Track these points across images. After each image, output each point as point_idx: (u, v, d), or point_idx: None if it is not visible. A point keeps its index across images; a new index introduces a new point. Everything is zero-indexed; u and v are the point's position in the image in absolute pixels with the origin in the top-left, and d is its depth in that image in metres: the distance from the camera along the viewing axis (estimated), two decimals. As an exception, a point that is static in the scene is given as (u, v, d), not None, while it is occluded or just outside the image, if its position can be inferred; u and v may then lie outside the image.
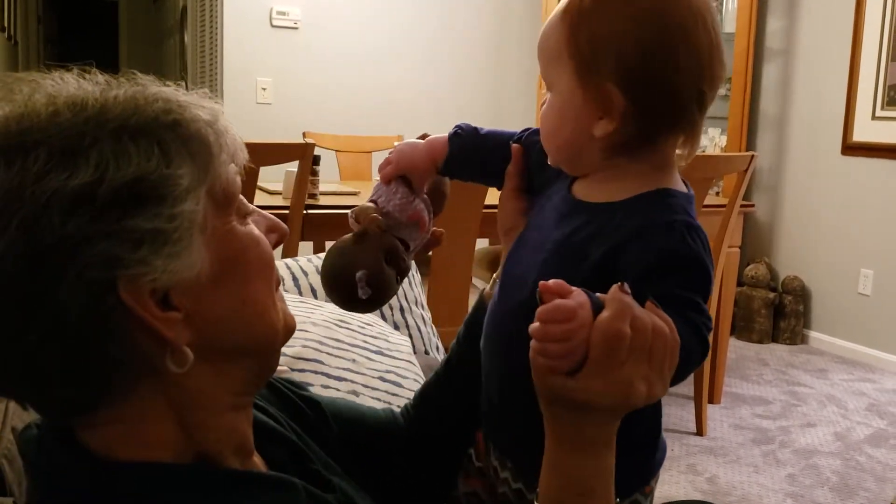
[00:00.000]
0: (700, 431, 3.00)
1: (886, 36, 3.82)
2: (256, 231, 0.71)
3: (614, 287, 0.64)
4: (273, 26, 4.56)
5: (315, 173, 2.79)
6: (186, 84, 0.74)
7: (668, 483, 2.60)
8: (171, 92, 0.67)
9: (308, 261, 1.64)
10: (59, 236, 0.58)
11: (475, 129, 0.93)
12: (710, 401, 3.18)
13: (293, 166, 2.66)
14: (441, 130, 0.93)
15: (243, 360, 0.70)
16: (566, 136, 0.80)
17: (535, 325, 0.64)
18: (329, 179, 3.41)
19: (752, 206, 3.93)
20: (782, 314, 4.23)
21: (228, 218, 0.68)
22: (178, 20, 6.54)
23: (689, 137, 0.78)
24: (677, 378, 0.69)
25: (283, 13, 4.56)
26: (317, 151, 2.72)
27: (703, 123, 0.79)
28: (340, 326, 1.41)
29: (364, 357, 1.37)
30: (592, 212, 0.79)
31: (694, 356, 0.71)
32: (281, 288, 0.75)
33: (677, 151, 0.80)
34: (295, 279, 1.58)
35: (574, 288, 0.64)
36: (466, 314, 0.99)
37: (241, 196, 0.70)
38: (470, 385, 0.92)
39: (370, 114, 4.71)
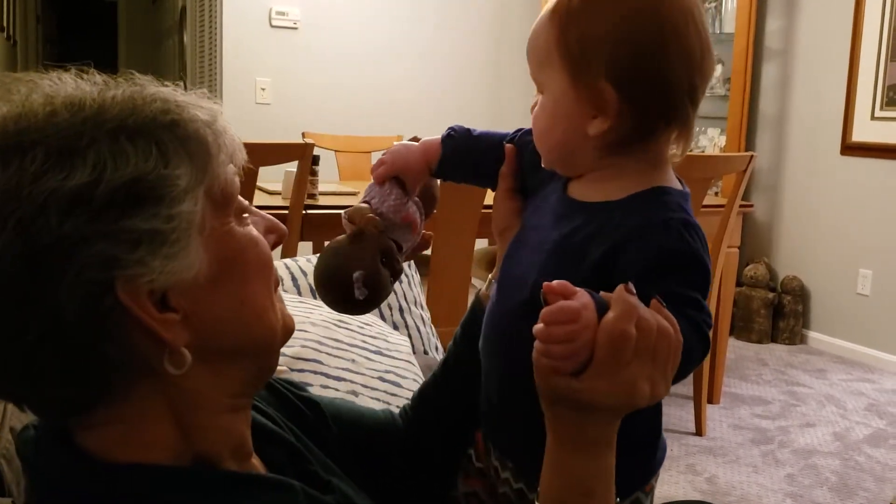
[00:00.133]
0: (699, 431, 3.00)
1: (886, 36, 3.82)
2: (255, 232, 0.71)
3: (619, 287, 0.64)
4: (272, 26, 4.56)
5: (314, 173, 2.79)
6: (185, 84, 0.74)
7: (668, 483, 2.60)
8: (170, 92, 0.67)
9: (307, 261, 1.64)
10: (56, 237, 0.58)
11: (468, 130, 0.93)
12: (710, 401, 3.18)
13: (292, 166, 2.66)
14: (440, 130, 0.92)
15: (242, 362, 0.69)
16: (559, 137, 0.80)
17: (538, 326, 0.64)
18: (328, 179, 3.40)
19: (752, 206, 3.94)
20: (781, 314, 4.23)
21: (227, 218, 0.67)
22: (177, 20, 6.54)
23: (683, 132, 0.78)
24: (678, 376, 0.69)
25: (283, 13, 4.56)
26: (316, 151, 2.72)
27: (698, 122, 0.79)
28: (339, 326, 1.41)
29: (363, 357, 1.37)
30: (590, 212, 0.79)
31: (695, 354, 0.71)
32: (280, 288, 0.75)
33: (671, 150, 0.80)
34: (294, 279, 1.58)
35: (578, 289, 0.64)
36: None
37: (240, 196, 0.70)
38: (468, 385, 0.92)
39: (369, 114, 4.71)
